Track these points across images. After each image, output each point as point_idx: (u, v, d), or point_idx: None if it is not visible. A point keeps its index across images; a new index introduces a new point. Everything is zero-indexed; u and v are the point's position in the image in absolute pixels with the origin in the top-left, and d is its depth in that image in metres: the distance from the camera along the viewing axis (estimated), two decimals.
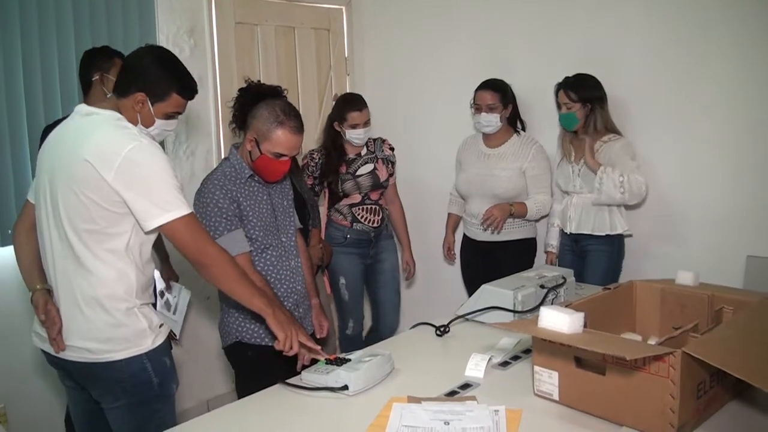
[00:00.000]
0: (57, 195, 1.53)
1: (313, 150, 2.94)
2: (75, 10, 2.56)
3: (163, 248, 2.54)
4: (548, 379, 1.34)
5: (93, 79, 2.26)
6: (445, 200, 3.18)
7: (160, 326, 1.64)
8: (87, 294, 1.53)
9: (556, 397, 1.34)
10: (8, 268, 2.34)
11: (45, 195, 1.57)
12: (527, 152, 2.78)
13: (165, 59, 1.64)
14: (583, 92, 2.55)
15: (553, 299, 1.95)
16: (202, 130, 3.06)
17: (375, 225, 2.93)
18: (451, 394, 1.44)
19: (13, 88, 2.44)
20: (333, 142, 2.87)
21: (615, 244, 2.60)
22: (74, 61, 2.53)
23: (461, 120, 3.18)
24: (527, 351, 1.63)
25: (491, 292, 1.92)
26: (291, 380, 1.54)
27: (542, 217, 2.87)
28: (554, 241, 2.81)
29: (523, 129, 2.91)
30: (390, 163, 2.98)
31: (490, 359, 1.57)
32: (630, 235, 2.67)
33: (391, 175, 2.99)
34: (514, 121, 2.88)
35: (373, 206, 2.93)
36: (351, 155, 2.90)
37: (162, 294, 2.52)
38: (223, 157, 2.55)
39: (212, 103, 3.07)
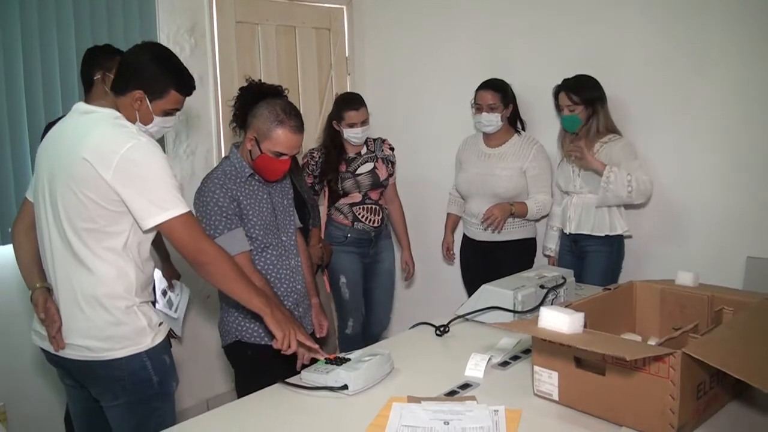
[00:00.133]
0: (56, 193, 1.53)
1: (313, 149, 2.95)
2: (76, 8, 2.56)
3: (164, 247, 2.53)
4: (548, 380, 1.34)
5: (95, 78, 2.26)
6: (445, 200, 3.18)
7: (160, 324, 1.64)
8: (86, 292, 1.53)
9: (555, 397, 1.34)
10: (8, 266, 2.33)
11: (44, 193, 1.57)
12: (528, 152, 2.78)
13: (162, 56, 1.63)
14: (585, 94, 2.54)
15: (553, 299, 1.95)
16: (202, 129, 3.06)
17: (375, 225, 2.94)
18: (451, 393, 1.44)
19: (13, 87, 2.44)
20: (333, 141, 2.89)
21: (614, 245, 2.60)
22: (75, 60, 2.53)
23: (461, 120, 3.18)
24: (527, 351, 1.63)
25: (491, 292, 1.92)
26: (291, 380, 1.53)
27: (542, 217, 2.87)
28: (553, 245, 2.80)
29: (523, 129, 2.92)
30: (390, 162, 2.99)
31: (489, 359, 1.57)
32: (629, 236, 2.67)
33: (390, 174, 2.99)
34: (514, 121, 2.89)
35: (374, 206, 2.94)
36: (351, 154, 2.91)
37: (164, 293, 2.52)
38: (223, 156, 2.55)
39: (212, 102, 3.07)
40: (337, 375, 1.45)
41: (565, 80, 2.61)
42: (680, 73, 2.55)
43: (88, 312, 1.53)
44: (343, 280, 2.95)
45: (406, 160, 3.31)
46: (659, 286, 1.65)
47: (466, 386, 1.47)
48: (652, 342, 1.34)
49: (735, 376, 1.10)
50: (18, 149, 2.47)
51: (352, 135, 2.83)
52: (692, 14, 2.49)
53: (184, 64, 1.67)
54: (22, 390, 2.55)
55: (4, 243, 2.45)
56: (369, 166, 2.91)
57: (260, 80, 2.07)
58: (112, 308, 1.53)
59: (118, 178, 1.46)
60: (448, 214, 3.15)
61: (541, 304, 1.88)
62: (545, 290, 1.94)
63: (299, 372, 1.57)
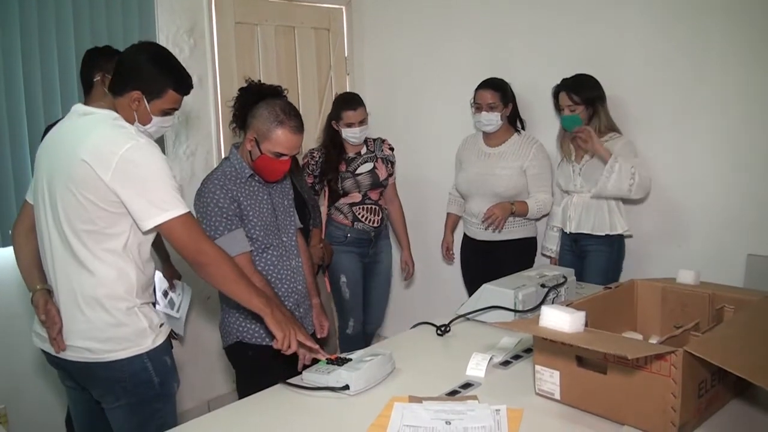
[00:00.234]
0: (55, 195, 1.53)
1: (313, 149, 2.96)
2: (75, 9, 2.56)
3: (164, 248, 2.53)
4: (549, 379, 1.34)
5: (95, 79, 2.26)
6: (445, 200, 3.18)
7: (161, 326, 1.63)
8: (87, 294, 1.52)
9: (557, 396, 1.34)
10: (8, 268, 2.34)
11: (43, 195, 1.57)
12: (528, 151, 2.78)
13: (159, 56, 1.63)
14: (585, 93, 2.54)
15: (554, 298, 1.95)
16: (202, 130, 3.06)
17: (375, 225, 2.95)
18: (453, 393, 1.44)
19: (12, 88, 2.44)
20: (332, 140, 2.90)
21: (614, 245, 2.60)
22: (74, 61, 2.53)
23: (461, 119, 3.18)
24: (528, 350, 1.63)
25: (492, 292, 1.92)
26: (292, 380, 1.53)
27: (543, 216, 2.87)
28: (553, 246, 2.79)
29: (523, 128, 2.91)
30: (389, 162, 2.99)
31: (491, 359, 1.57)
32: (630, 236, 2.66)
33: (390, 174, 3.00)
34: (513, 120, 2.88)
35: (373, 206, 2.94)
36: (351, 154, 2.91)
37: (166, 294, 2.51)
38: (223, 157, 2.55)
39: (212, 103, 3.07)
40: (339, 375, 1.45)
41: (564, 80, 2.61)
42: (680, 73, 2.55)
43: (88, 313, 1.53)
44: (343, 279, 2.96)
45: (406, 160, 3.31)
46: (660, 284, 1.65)
47: (467, 386, 1.47)
48: (653, 340, 1.34)
49: (736, 374, 1.10)
50: (18, 151, 2.47)
51: (350, 135, 2.84)
52: (692, 14, 2.49)
53: (182, 64, 1.67)
54: (23, 392, 2.55)
55: (4, 245, 2.45)
56: (369, 166, 2.91)
57: (260, 81, 2.07)
58: (113, 309, 1.53)
59: (117, 179, 1.46)
60: (448, 213, 3.15)
61: (542, 303, 1.88)
62: (546, 289, 1.94)
63: (300, 372, 1.57)
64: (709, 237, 2.55)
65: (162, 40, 2.83)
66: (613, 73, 2.65)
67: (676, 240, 2.64)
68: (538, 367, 1.37)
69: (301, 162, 2.89)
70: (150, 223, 1.49)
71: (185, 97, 1.69)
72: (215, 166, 2.26)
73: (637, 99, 2.66)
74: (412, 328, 1.95)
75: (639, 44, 2.64)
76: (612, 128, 2.58)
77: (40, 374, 2.58)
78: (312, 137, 3.21)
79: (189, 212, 1.54)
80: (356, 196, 2.91)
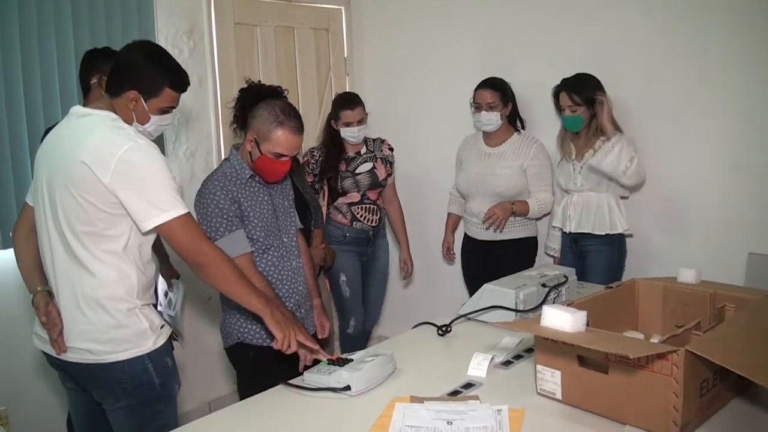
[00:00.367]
0: (55, 197, 1.53)
1: (313, 148, 2.97)
2: (74, 11, 2.55)
3: (162, 248, 2.53)
4: (551, 378, 1.34)
5: (92, 81, 2.25)
6: (445, 200, 3.18)
7: (162, 327, 1.63)
8: (88, 295, 1.52)
9: (558, 396, 1.34)
10: (9, 270, 2.33)
11: (43, 197, 1.57)
12: (528, 150, 2.78)
13: (154, 54, 1.62)
14: (586, 93, 2.54)
15: (555, 298, 1.95)
16: (202, 132, 3.06)
17: (374, 224, 2.96)
18: (454, 393, 1.43)
19: (12, 89, 2.44)
20: (332, 140, 2.91)
21: (615, 244, 2.60)
22: (73, 63, 2.53)
23: (461, 119, 3.18)
24: (530, 350, 1.63)
25: (493, 292, 1.92)
26: (293, 381, 1.53)
27: (544, 216, 2.87)
28: (556, 245, 2.79)
29: (523, 127, 2.91)
30: (389, 163, 3.00)
31: (492, 358, 1.57)
32: (630, 235, 2.66)
33: (389, 174, 3.00)
34: (513, 120, 2.88)
35: (372, 206, 2.95)
36: (350, 154, 2.92)
37: (166, 294, 2.51)
38: (223, 157, 2.54)
39: (212, 104, 3.07)
40: (340, 376, 1.45)
41: (564, 80, 2.60)
42: (680, 73, 2.55)
43: (89, 315, 1.53)
44: (343, 278, 2.96)
45: (405, 159, 3.31)
46: (661, 283, 1.65)
47: (468, 386, 1.47)
48: (654, 340, 1.33)
49: (738, 373, 1.09)
50: (17, 153, 2.47)
51: (349, 134, 2.84)
52: (692, 14, 2.49)
53: (179, 63, 1.66)
54: (24, 394, 2.55)
55: (4, 247, 2.45)
56: (368, 165, 2.92)
57: (259, 81, 2.07)
58: (114, 311, 1.53)
59: (116, 180, 1.46)
60: (449, 213, 3.15)
61: (543, 302, 1.88)
62: (547, 289, 1.94)
63: (301, 373, 1.56)
64: (709, 236, 2.55)
65: (161, 42, 2.83)
66: (613, 73, 2.64)
67: (677, 239, 2.64)
68: (539, 367, 1.37)
69: (301, 161, 2.90)
70: (149, 224, 1.49)
71: (185, 98, 1.69)
72: (215, 167, 2.26)
73: (637, 99, 2.66)
74: (413, 328, 1.95)
75: (639, 44, 2.64)
76: (614, 126, 2.57)
77: (40, 376, 2.58)
78: (312, 137, 3.21)
79: (188, 213, 1.53)
80: (355, 196, 2.91)
